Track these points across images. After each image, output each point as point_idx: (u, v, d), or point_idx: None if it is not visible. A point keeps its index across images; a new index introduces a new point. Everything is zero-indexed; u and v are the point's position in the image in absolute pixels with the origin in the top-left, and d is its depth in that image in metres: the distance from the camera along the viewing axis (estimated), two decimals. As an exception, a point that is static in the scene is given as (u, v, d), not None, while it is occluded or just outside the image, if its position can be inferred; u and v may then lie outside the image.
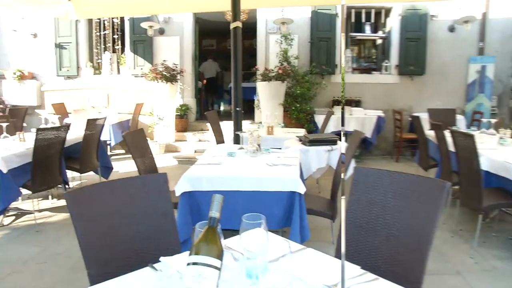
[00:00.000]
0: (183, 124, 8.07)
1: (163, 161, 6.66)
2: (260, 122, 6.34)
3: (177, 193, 2.76)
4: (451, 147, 3.81)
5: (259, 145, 3.44)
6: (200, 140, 7.76)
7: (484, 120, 5.24)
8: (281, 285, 1.14)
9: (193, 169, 2.95)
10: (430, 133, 4.92)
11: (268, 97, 7.12)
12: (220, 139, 5.20)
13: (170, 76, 7.36)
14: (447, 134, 3.99)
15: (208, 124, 7.75)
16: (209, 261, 0.91)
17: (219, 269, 0.92)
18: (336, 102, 7.68)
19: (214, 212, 1.01)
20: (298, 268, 1.35)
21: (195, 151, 7.18)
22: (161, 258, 1.42)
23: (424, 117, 5.92)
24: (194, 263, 0.91)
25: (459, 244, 3.60)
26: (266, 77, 7.07)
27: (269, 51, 7.96)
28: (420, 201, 1.74)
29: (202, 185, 2.79)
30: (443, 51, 7.73)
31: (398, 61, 7.83)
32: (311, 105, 7.42)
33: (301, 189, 2.71)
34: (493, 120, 4.88)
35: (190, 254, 0.94)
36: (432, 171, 4.75)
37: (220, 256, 0.94)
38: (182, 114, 8.04)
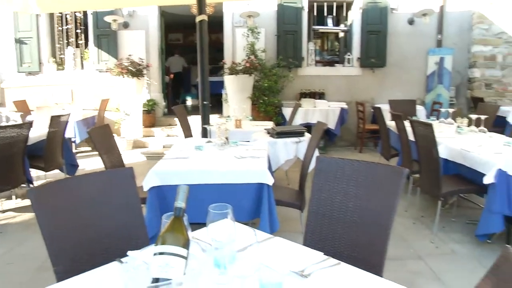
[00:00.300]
0: (150, 119, 7.97)
1: (131, 157, 6.56)
2: (228, 116, 6.34)
3: (145, 188, 2.74)
4: (411, 137, 3.95)
5: (227, 138, 3.46)
6: (168, 135, 7.69)
7: (443, 110, 5.44)
8: (248, 273, 1.17)
9: (160, 164, 2.94)
10: (391, 124, 5.07)
11: (236, 90, 7.12)
12: (188, 134, 5.18)
13: (136, 71, 7.24)
14: (407, 124, 4.13)
15: (176, 119, 7.70)
16: (175, 250, 0.93)
17: (185, 258, 0.94)
18: (303, 95, 7.77)
19: (180, 202, 1.02)
20: (265, 256, 1.39)
21: (164, 147, 7.12)
22: (129, 252, 1.43)
23: (386, 108, 6.09)
24: (161, 253, 0.92)
25: (420, 230, 3.74)
26: (233, 71, 7.07)
27: (236, 45, 7.95)
28: (380, 188, 1.81)
29: (170, 179, 2.78)
30: (403, 44, 7.96)
31: (360, 54, 8.00)
32: (279, 98, 7.48)
33: (269, 180, 2.75)
34: (451, 110, 5.07)
35: (156, 245, 0.95)
36: (394, 160, 4.91)
37: (186, 245, 0.96)
38: (150, 109, 7.94)
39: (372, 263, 1.71)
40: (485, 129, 4.22)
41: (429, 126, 3.40)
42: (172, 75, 11.03)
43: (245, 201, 2.80)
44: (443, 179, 3.44)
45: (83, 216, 1.64)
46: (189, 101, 12.32)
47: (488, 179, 3.09)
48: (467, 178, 3.62)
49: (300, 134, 4.21)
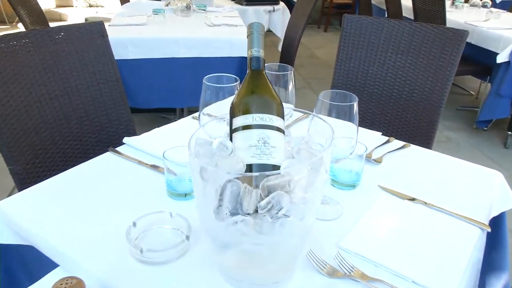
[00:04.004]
0: (65, -16, 6.96)
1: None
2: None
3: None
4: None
5: (190, 0, 3.01)
6: (90, 6, 6.84)
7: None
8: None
9: (109, 31, 2.48)
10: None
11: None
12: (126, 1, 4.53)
13: None
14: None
15: (101, -16, 6.81)
16: (273, 120, 0.61)
17: (284, 132, 0.63)
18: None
19: (256, 50, 0.69)
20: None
21: (86, 20, 6.33)
22: (125, 139, 1.12)
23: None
24: (246, 127, 0.60)
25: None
26: None
27: None
28: (430, 56, 1.59)
29: (127, 52, 2.39)
30: None
31: None
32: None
33: (256, 53, 2.44)
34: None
35: (234, 116, 0.62)
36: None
37: (281, 113, 0.64)
38: (63, -30, 6.89)
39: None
40: (489, 1, 4.05)
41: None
42: None
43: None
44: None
45: (41, 91, 1.26)
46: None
47: (502, 58, 2.99)
48: (467, 58, 3.53)
49: (274, 1, 3.82)
